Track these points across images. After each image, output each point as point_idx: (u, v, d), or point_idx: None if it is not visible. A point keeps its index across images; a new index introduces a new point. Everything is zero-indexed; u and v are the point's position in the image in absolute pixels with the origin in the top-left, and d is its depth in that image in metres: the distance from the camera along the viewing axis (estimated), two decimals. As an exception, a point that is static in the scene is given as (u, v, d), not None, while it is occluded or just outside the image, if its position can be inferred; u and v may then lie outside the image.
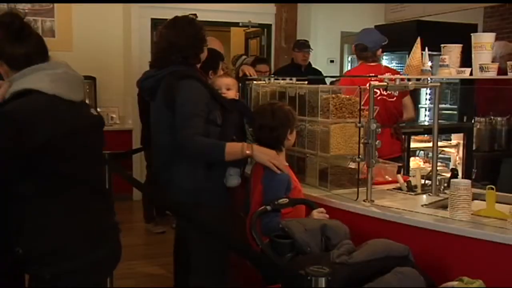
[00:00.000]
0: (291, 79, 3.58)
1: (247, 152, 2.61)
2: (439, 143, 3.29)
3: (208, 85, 2.75)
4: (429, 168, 3.20)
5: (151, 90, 2.74)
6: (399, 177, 3.16)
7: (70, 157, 1.91)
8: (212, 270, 2.70)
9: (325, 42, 7.35)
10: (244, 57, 6.67)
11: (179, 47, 2.67)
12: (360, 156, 2.80)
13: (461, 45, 2.78)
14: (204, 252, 2.67)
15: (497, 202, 2.54)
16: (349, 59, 7.54)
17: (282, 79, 3.64)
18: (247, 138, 2.90)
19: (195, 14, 2.79)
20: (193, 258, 2.74)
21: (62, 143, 1.86)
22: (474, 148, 4.65)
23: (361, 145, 2.79)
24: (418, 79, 2.87)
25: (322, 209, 2.62)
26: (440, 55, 2.76)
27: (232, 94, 2.95)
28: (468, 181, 2.51)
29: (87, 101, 2.27)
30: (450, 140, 4.23)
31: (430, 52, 2.81)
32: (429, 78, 2.88)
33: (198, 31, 2.73)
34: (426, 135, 4.19)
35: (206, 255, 2.68)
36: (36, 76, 1.87)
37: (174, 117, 2.59)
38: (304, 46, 5.84)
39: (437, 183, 2.98)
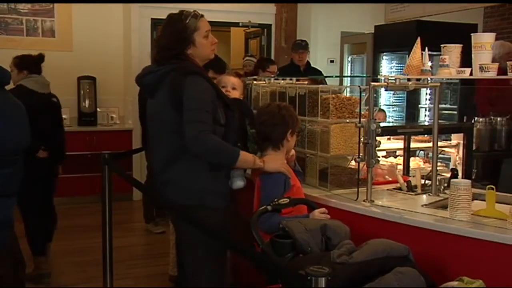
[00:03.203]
0: (291, 79, 3.58)
1: (260, 164, 2.60)
2: (439, 143, 3.27)
3: (213, 83, 2.65)
4: (429, 168, 3.19)
5: (152, 86, 2.61)
6: (399, 177, 3.16)
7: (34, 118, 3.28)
8: (210, 272, 2.62)
9: (325, 42, 7.34)
10: (246, 58, 6.66)
11: (160, 47, 2.61)
12: (360, 156, 2.80)
13: (461, 45, 2.78)
14: (204, 254, 2.58)
15: (497, 202, 2.55)
16: (349, 59, 7.53)
17: (282, 79, 3.64)
18: (249, 140, 2.89)
19: (194, 12, 2.62)
20: (192, 259, 2.65)
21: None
22: (474, 148, 4.63)
23: (361, 145, 2.79)
24: (418, 79, 2.87)
25: (324, 209, 2.62)
26: (440, 55, 2.76)
27: (236, 94, 2.94)
28: (468, 181, 2.51)
29: (52, 94, 4.35)
30: (450, 140, 4.20)
31: (430, 52, 2.81)
32: (429, 78, 2.88)
33: (181, 31, 2.57)
34: (426, 135, 4.17)
35: (205, 257, 2.59)
36: (27, 79, 4.12)
37: (179, 114, 2.46)
38: (299, 46, 5.80)
39: (437, 183, 2.98)
